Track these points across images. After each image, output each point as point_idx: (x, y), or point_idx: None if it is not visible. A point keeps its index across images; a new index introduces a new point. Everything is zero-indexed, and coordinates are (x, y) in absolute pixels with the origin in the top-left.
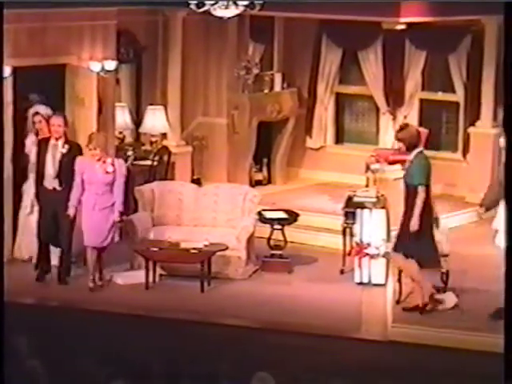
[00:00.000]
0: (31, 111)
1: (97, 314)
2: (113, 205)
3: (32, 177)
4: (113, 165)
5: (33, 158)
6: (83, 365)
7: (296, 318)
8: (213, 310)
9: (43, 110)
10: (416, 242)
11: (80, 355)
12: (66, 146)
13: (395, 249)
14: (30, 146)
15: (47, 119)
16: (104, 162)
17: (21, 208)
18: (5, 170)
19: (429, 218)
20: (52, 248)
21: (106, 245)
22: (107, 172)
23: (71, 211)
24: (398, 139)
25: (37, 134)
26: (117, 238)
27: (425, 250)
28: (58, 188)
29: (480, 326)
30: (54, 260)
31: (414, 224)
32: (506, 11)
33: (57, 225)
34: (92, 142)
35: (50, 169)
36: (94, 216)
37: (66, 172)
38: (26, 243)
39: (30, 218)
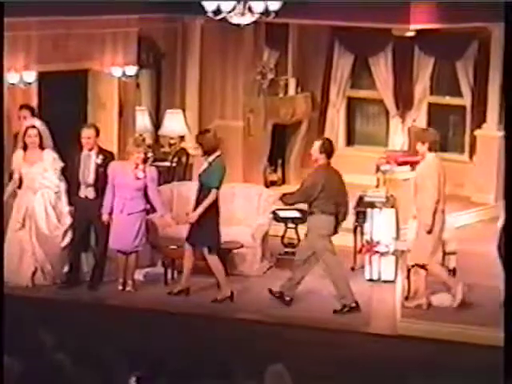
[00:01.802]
0: (26, 124)
1: (117, 309)
2: (141, 210)
3: (24, 191)
4: (144, 171)
5: (18, 173)
6: (104, 358)
7: (308, 313)
8: (229, 305)
9: (40, 124)
10: (203, 234)
11: (102, 349)
12: (101, 157)
13: (188, 239)
14: (19, 160)
15: (41, 135)
16: (136, 167)
17: (10, 221)
18: None
19: (215, 215)
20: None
21: (131, 249)
22: (138, 178)
23: (105, 217)
24: (197, 142)
25: (25, 149)
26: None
27: (211, 240)
28: (90, 196)
29: (486, 321)
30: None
31: (194, 216)
32: (507, 11)
33: (88, 233)
34: (140, 145)
35: (81, 178)
36: (121, 220)
37: (101, 181)
38: (9, 264)
39: (17, 234)
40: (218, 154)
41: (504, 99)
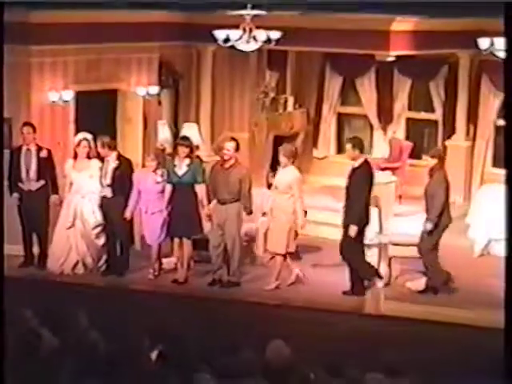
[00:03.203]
0: (79, 136)
1: (139, 293)
2: (162, 210)
3: (73, 195)
4: (162, 176)
5: (69, 179)
6: (129, 335)
7: (304, 296)
8: (237, 288)
9: (90, 137)
10: (189, 224)
11: (128, 327)
12: (117, 162)
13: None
14: (69, 169)
15: (90, 146)
16: (155, 173)
17: (59, 220)
18: None
19: (198, 207)
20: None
21: (156, 243)
22: (157, 182)
23: (128, 214)
24: (186, 146)
25: (75, 158)
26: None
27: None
28: (108, 195)
29: (459, 303)
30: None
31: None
32: (506, 11)
33: (111, 225)
34: (150, 155)
35: (102, 180)
36: (146, 219)
37: (117, 182)
38: (58, 257)
39: (66, 232)
40: (192, 156)
41: (472, 114)
